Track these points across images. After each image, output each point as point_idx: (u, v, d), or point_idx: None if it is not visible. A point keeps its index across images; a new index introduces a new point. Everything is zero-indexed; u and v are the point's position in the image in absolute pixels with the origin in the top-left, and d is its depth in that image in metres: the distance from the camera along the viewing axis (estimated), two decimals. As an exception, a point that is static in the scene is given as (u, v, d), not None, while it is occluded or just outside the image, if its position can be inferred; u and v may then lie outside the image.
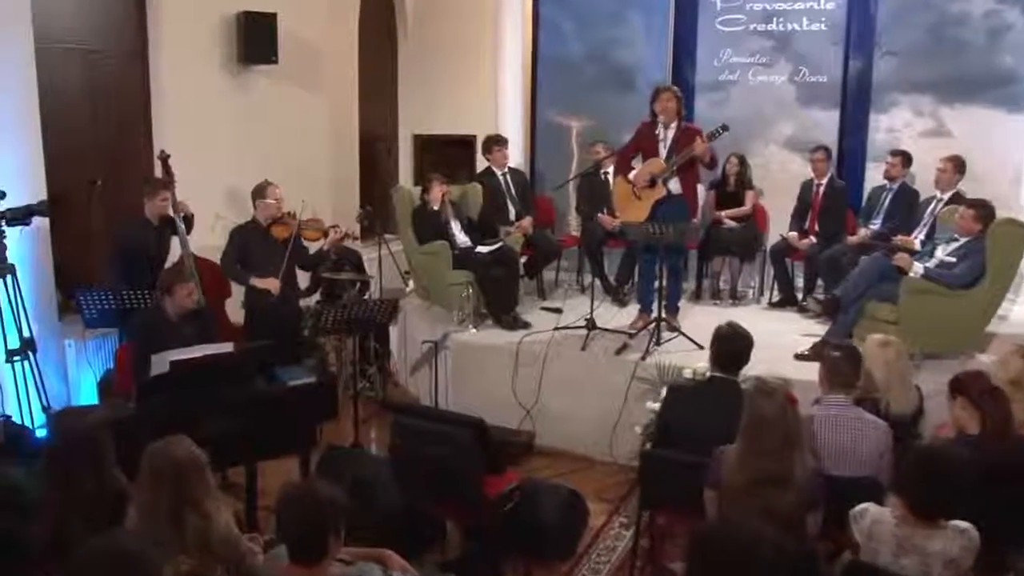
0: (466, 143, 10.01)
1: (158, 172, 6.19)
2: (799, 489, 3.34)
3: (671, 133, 6.33)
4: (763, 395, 3.42)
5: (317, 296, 7.22)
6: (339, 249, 6.67)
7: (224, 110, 7.32)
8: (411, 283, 7.54)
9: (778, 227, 7.81)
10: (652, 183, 6.31)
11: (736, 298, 7.77)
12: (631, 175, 6.42)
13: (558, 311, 7.06)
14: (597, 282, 7.25)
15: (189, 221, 6.11)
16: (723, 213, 7.78)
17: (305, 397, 4.65)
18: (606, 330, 6.37)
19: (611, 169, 7.70)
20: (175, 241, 6.09)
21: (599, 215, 7.72)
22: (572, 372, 6.09)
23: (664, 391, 5.46)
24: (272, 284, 6.00)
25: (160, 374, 4.26)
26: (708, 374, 4.28)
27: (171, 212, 5.91)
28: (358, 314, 5.29)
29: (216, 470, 4.92)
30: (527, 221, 7.41)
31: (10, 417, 5.57)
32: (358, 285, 7.10)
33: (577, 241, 7.96)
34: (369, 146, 9.60)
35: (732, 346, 4.06)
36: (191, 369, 4.28)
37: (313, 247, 6.51)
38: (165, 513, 2.85)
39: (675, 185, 6.38)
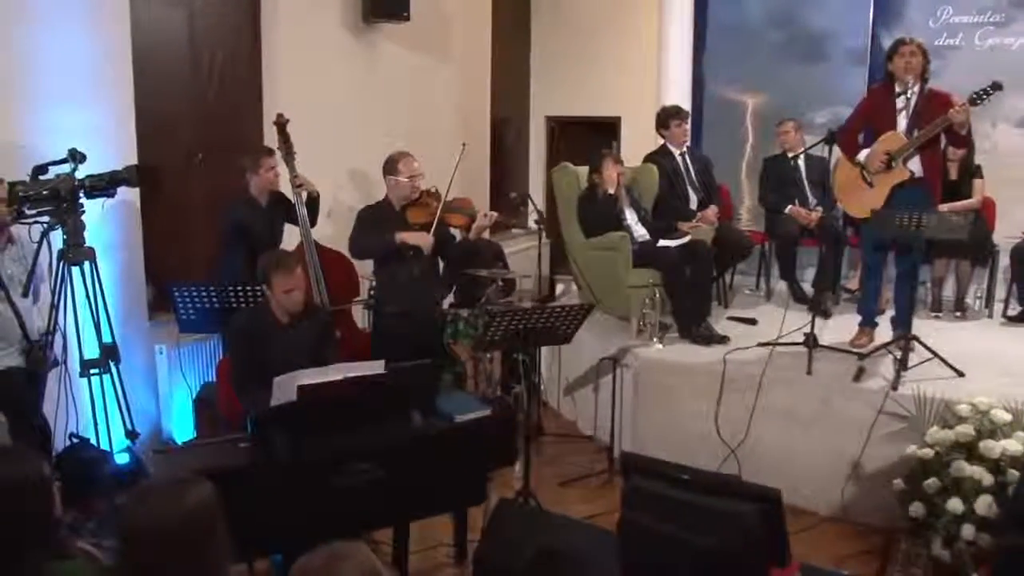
0: (608, 126, 8.75)
1: (272, 141, 5.01)
2: None
3: (913, 99, 4.91)
4: None
5: (450, 297, 5.99)
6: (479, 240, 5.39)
7: (344, 73, 6.16)
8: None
9: (1008, 225, 6.38)
10: (888, 164, 4.91)
11: (963, 310, 6.27)
12: (861, 155, 5.00)
13: (751, 322, 5.73)
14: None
15: (314, 202, 4.93)
16: (946, 207, 6.26)
17: (478, 437, 3.35)
18: (831, 348, 4.97)
19: (801, 152, 6.38)
20: (288, 228, 4.94)
21: (791, 207, 6.31)
22: (793, 402, 4.70)
23: (934, 432, 4.12)
24: (424, 239, 4.80)
25: (284, 404, 3.00)
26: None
27: (295, 190, 4.74)
28: (539, 323, 3.94)
29: (358, 535, 3.73)
30: (712, 211, 6.02)
31: (87, 440, 4.44)
32: (498, 284, 5.85)
33: (764, 238, 6.54)
34: (497, 127, 8.36)
35: None
36: (328, 398, 3.02)
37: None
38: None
39: (915, 165, 4.96)
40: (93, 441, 4.41)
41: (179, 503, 1.84)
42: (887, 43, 6.93)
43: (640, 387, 5.01)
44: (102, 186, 3.81)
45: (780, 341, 4.99)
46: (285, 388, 2.99)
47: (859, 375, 4.70)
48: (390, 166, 4.91)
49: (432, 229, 4.84)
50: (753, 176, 7.33)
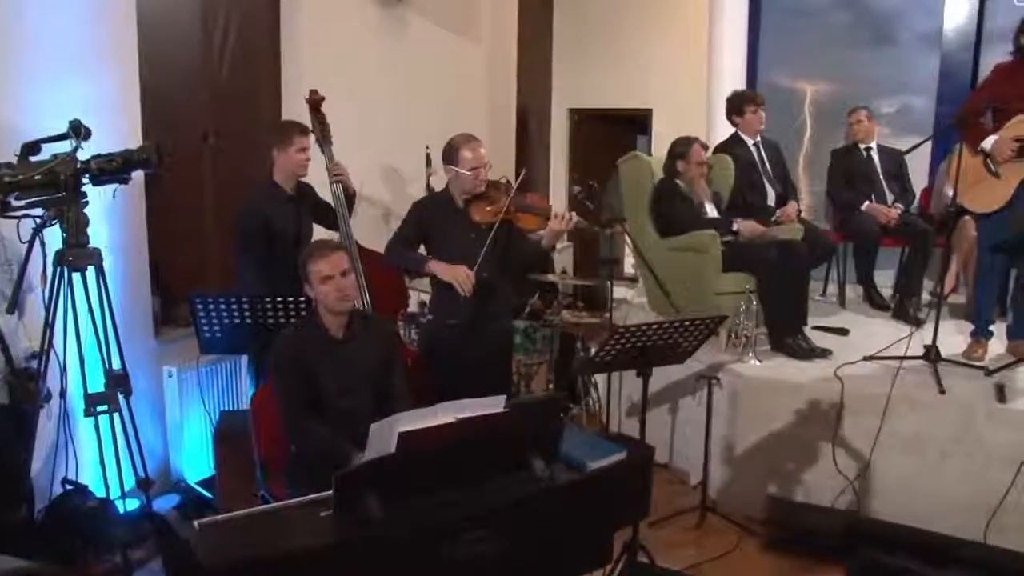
0: (638, 119, 8.07)
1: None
2: None
3: None
4: None
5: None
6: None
7: (370, 51, 5.43)
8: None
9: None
10: (1020, 152, 4.26)
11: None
12: (987, 143, 4.33)
13: (843, 332, 5.04)
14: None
15: (350, 199, 4.15)
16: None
17: (613, 487, 2.59)
18: (955, 363, 4.29)
19: (873, 144, 5.77)
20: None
21: (868, 203, 5.63)
22: (925, 425, 4.00)
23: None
24: (462, 277, 3.71)
25: (379, 458, 2.21)
26: None
27: (332, 182, 3.98)
28: (662, 339, 3.13)
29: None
30: (792, 207, 5.29)
31: (83, 487, 3.63)
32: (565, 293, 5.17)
33: (841, 237, 5.83)
34: (520, 118, 7.64)
35: None
36: (437, 447, 2.24)
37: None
38: None
39: (1050, 154, 4.33)
40: (92, 487, 3.63)
41: None
42: (953, 25, 6.37)
43: (734, 410, 4.29)
44: (113, 169, 2.99)
45: (898, 355, 4.28)
46: (382, 436, 2.20)
47: (1002, 394, 4.01)
48: (450, 153, 3.85)
49: (492, 234, 3.90)
50: (811, 170, 6.69)
